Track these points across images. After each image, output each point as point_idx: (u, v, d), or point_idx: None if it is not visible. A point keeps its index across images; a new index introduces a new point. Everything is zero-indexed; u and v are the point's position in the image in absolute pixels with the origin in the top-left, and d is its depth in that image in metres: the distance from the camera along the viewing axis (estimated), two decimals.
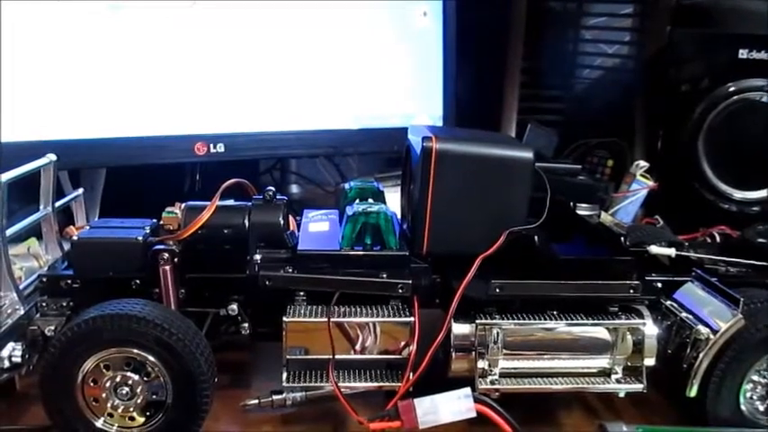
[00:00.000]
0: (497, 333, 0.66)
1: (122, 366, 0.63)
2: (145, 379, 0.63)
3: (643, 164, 1.12)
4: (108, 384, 0.63)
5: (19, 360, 0.64)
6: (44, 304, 0.68)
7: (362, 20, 1.11)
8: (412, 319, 0.65)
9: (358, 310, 0.66)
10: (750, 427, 0.67)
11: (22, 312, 0.66)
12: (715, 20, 1.13)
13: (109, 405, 0.63)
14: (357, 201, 0.73)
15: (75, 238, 0.69)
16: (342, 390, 0.64)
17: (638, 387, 0.67)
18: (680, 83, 1.13)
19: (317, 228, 0.75)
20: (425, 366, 0.64)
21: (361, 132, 1.13)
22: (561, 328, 0.67)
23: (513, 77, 1.32)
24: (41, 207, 0.74)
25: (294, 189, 1.34)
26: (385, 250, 0.68)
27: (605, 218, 0.85)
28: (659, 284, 0.72)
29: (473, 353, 0.66)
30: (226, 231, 0.70)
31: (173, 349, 0.61)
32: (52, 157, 0.74)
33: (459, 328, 0.66)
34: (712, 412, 0.66)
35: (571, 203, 0.82)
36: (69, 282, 0.69)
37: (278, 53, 1.06)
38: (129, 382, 0.63)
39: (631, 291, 0.67)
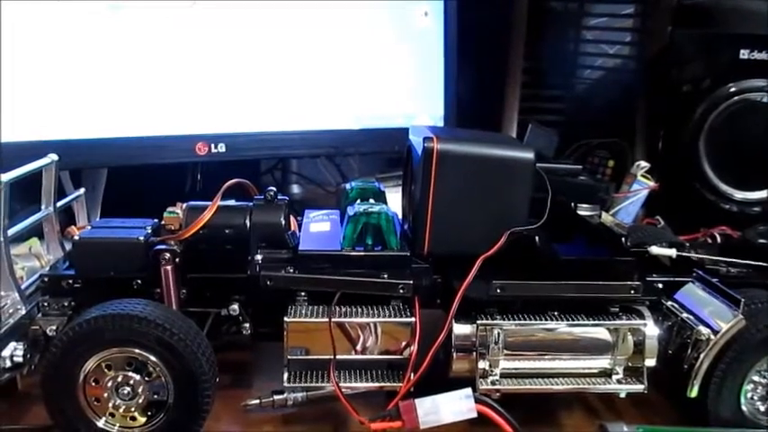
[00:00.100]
0: (498, 333, 0.66)
1: (124, 366, 0.63)
2: (146, 379, 0.63)
3: (644, 164, 1.12)
4: (109, 384, 0.63)
5: (20, 360, 0.64)
6: (46, 304, 0.68)
7: (363, 20, 1.11)
8: (413, 319, 0.65)
9: (359, 310, 0.66)
10: (751, 428, 0.67)
11: (23, 312, 0.66)
12: (716, 20, 1.13)
13: (110, 405, 0.63)
14: (358, 201, 0.73)
15: (76, 237, 0.69)
16: (343, 390, 0.64)
17: (639, 387, 0.67)
18: (681, 83, 1.13)
19: (319, 228, 0.75)
20: (426, 367, 0.64)
21: (363, 132, 1.13)
22: (562, 328, 0.67)
23: (515, 77, 1.32)
24: (43, 207, 0.74)
25: (295, 189, 1.34)
26: (386, 251, 0.68)
27: (606, 218, 0.85)
28: (660, 285, 0.72)
29: (474, 353, 0.66)
30: (227, 231, 0.70)
31: (174, 349, 0.61)
32: (54, 156, 0.74)
33: (461, 329, 0.66)
34: (713, 413, 0.66)
35: (572, 204, 0.82)
36: (71, 281, 0.69)
37: (279, 53, 1.06)
38: (131, 381, 0.63)
39: (632, 291, 0.67)
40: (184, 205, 0.72)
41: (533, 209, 0.68)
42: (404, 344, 0.66)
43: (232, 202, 0.72)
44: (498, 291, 0.65)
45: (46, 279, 0.69)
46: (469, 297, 0.65)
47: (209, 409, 0.64)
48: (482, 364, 0.66)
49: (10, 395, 0.71)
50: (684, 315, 0.68)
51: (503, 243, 0.66)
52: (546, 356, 0.67)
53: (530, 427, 0.62)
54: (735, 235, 0.80)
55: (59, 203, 0.76)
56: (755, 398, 0.68)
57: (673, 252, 0.74)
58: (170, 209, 0.74)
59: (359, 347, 0.66)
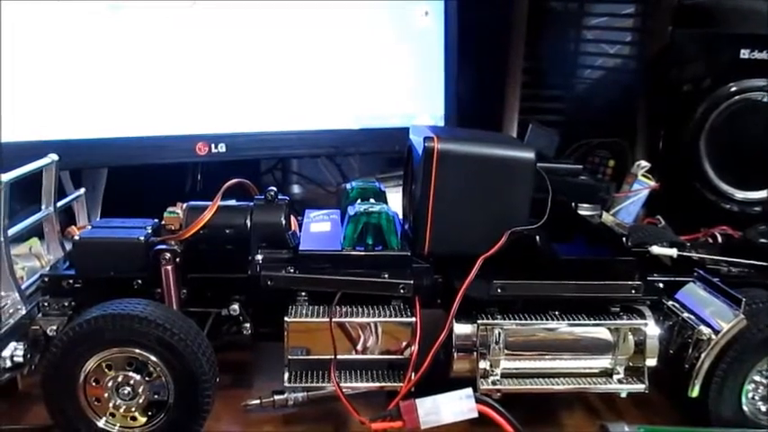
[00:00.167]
0: (499, 333, 0.66)
1: (124, 366, 0.63)
2: (147, 379, 0.63)
3: (644, 164, 1.12)
4: (110, 384, 0.63)
5: (21, 360, 0.63)
6: (46, 304, 0.68)
7: (363, 20, 1.11)
8: (413, 319, 0.65)
9: (360, 310, 0.66)
10: (752, 428, 0.67)
11: (23, 312, 0.66)
12: (717, 20, 1.13)
13: (111, 405, 0.63)
14: (359, 201, 0.73)
15: (76, 237, 0.69)
16: (343, 390, 0.64)
17: (640, 387, 0.67)
18: (681, 83, 1.13)
19: (319, 228, 0.75)
20: (427, 366, 0.64)
21: (363, 132, 1.13)
22: (563, 328, 0.67)
23: (515, 77, 1.32)
24: (43, 207, 0.74)
25: (296, 189, 1.34)
26: (386, 250, 0.68)
27: (607, 218, 0.85)
28: (661, 285, 0.72)
29: (475, 353, 0.66)
30: (227, 231, 0.70)
31: (174, 349, 0.61)
32: (54, 156, 0.74)
33: (461, 329, 0.66)
34: (714, 413, 0.66)
35: (573, 204, 0.82)
36: (71, 281, 0.69)
37: (279, 53, 1.06)
38: (131, 381, 0.63)
39: (633, 291, 0.67)
40: (185, 205, 0.72)
41: (534, 209, 0.68)
42: (404, 344, 0.65)
43: (232, 202, 0.72)
44: (499, 290, 0.65)
45: (46, 279, 0.69)
46: (470, 297, 0.64)
47: (209, 409, 0.64)
48: (483, 364, 0.66)
49: (10, 395, 0.71)
50: (685, 315, 0.68)
51: (503, 243, 0.66)
52: (547, 356, 0.67)
53: (531, 427, 0.61)
54: (735, 235, 0.80)
55: (60, 203, 0.76)
56: (757, 398, 0.68)
57: (674, 252, 0.74)
58: (170, 209, 0.74)
59: (359, 347, 0.66)
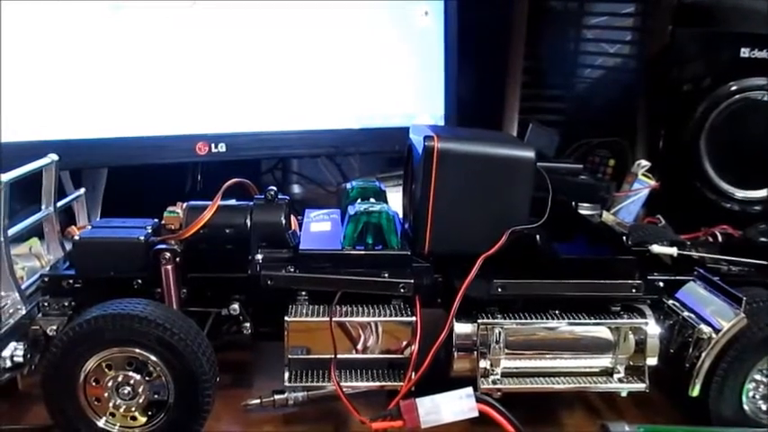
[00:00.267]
0: (499, 332, 0.66)
1: (124, 366, 0.63)
2: (147, 379, 0.63)
3: (645, 163, 1.12)
4: (110, 384, 0.63)
5: (21, 360, 0.63)
6: (46, 304, 0.68)
7: (363, 19, 1.11)
8: (414, 318, 0.65)
9: (360, 309, 0.66)
10: (753, 427, 0.67)
11: (23, 312, 0.66)
12: (717, 19, 1.13)
13: (111, 405, 0.63)
14: (359, 200, 0.73)
15: (76, 237, 0.69)
16: (344, 389, 0.64)
17: (641, 387, 0.67)
18: (682, 82, 1.13)
19: (319, 227, 0.75)
20: (427, 366, 0.64)
21: (363, 132, 1.13)
22: (563, 327, 0.67)
23: (515, 77, 1.32)
24: (43, 207, 0.74)
25: (296, 189, 1.34)
26: (387, 250, 0.68)
27: (607, 217, 0.85)
28: (661, 284, 0.72)
29: (475, 352, 0.66)
30: (227, 231, 0.70)
31: (174, 349, 0.61)
32: (54, 156, 0.74)
33: (461, 328, 0.66)
34: (715, 412, 0.66)
35: (573, 203, 0.82)
36: (71, 281, 0.69)
37: (279, 53, 1.06)
38: (131, 381, 0.63)
39: (633, 290, 0.67)
40: (185, 205, 0.72)
41: (534, 208, 0.68)
42: (405, 343, 0.65)
43: (232, 202, 0.72)
44: (499, 290, 0.65)
45: (46, 279, 0.69)
46: (470, 296, 0.64)
47: (209, 408, 0.63)
48: (483, 364, 0.66)
49: (10, 395, 0.71)
50: (686, 314, 0.68)
51: (504, 242, 0.66)
52: (547, 355, 0.67)
53: (531, 426, 0.61)
54: (736, 234, 0.80)
55: (60, 203, 0.76)
56: (757, 397, 0.68)
57: (674, 251, 0.74)
58: (170, 208, 0.74)
59: (360, 347, 0.66)
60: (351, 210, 0.69)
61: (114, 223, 0.73)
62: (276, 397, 0.70)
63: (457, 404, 0.60)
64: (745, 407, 0.67)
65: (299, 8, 1.06)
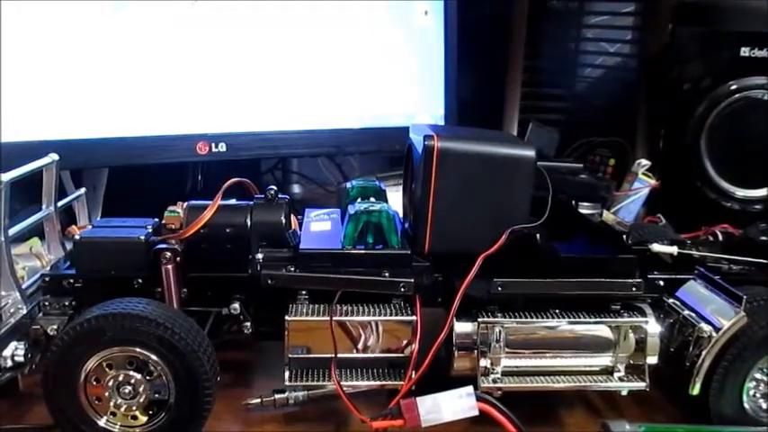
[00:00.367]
0: (499, 331, 0.66)
1: (125, 365, 0.63)
2: (147, 378, 0.63)
3: (645, 162, 1.12)
4: (111, 383, 0.63)
5: (22, 359, 0.64)
6: (47, 303, 0.68)
7: (364, 19, 1.11)
8: (414, 317, 0.65)
9: (360, 308, 0.66)
10: (753, 425, 0.67)
11: (24, 312, 0.66)
12: (717, 18, 1.13)
13: (111, 404, 0.63)
14: (359, 200, 0.73)
15: (77, 237, 0.69)
16: (344, 388, 0.64)
17: (641, 385, 0.67)
18: (682, 81, 1.13)
19: (319, 227, 0.75)
20: (428, 365, 0.64)
21: (363, 132, 1.13)
22: (563, 326, 0.67)
23: (515, 76, 1.31)
24: (44, 207, 0.74)
25: (296, 188, 1.34)
26: (387, 249, 0.68)
27: (607, 216, 0.85)
28: (661, 282, 0.72)
29: (475, 351, 0.66)
30: (228, 230, 0.70)
31: (175, 348, 0.61)
32: (54, 156, 0.74)
33: (462, 327, 0.66)
34: (715, 410, 0.66)
35: (573, 202, 0.82)
36: (72, 281, 0.69)
37: (279, 52, 1.06)
38: (132, 381, 0.63)
39: (634, 289, 0.67)
40: (185, 204, 0.72)
41: (534, 207, 0.68)
42: (405, 342, 0.65)
43: (233, 202, 0.72)
44: (499, 289, 0.65)
45: (47, 279, 0.69)
46: (470, 295, 0.64)
47: (210, 408, 0.64)
48: (483, 363, 0.66)
49: (11, 395, 0.71)
50: (686, 312, 0.68)
51: (504, 241, 0.66)
52: (547, 354, 0.67)
53: (531, 425, 0.61)
54: (736, 233, 0.80)
55: (60, 203, 0.76)
56: (758, 395, 0.68)
57: (674, 249, 0.74)
58: (171, 208, 0.74)
59: (360, 346, 0.66)
60: (351, 209, 0.69)
61: (115, 223, 0.73)
62: (277, 396, 0.70)
63: (457, 403, 0.60)
64: (746, 405, 0.67)
65: (300, 8, 1.06)
